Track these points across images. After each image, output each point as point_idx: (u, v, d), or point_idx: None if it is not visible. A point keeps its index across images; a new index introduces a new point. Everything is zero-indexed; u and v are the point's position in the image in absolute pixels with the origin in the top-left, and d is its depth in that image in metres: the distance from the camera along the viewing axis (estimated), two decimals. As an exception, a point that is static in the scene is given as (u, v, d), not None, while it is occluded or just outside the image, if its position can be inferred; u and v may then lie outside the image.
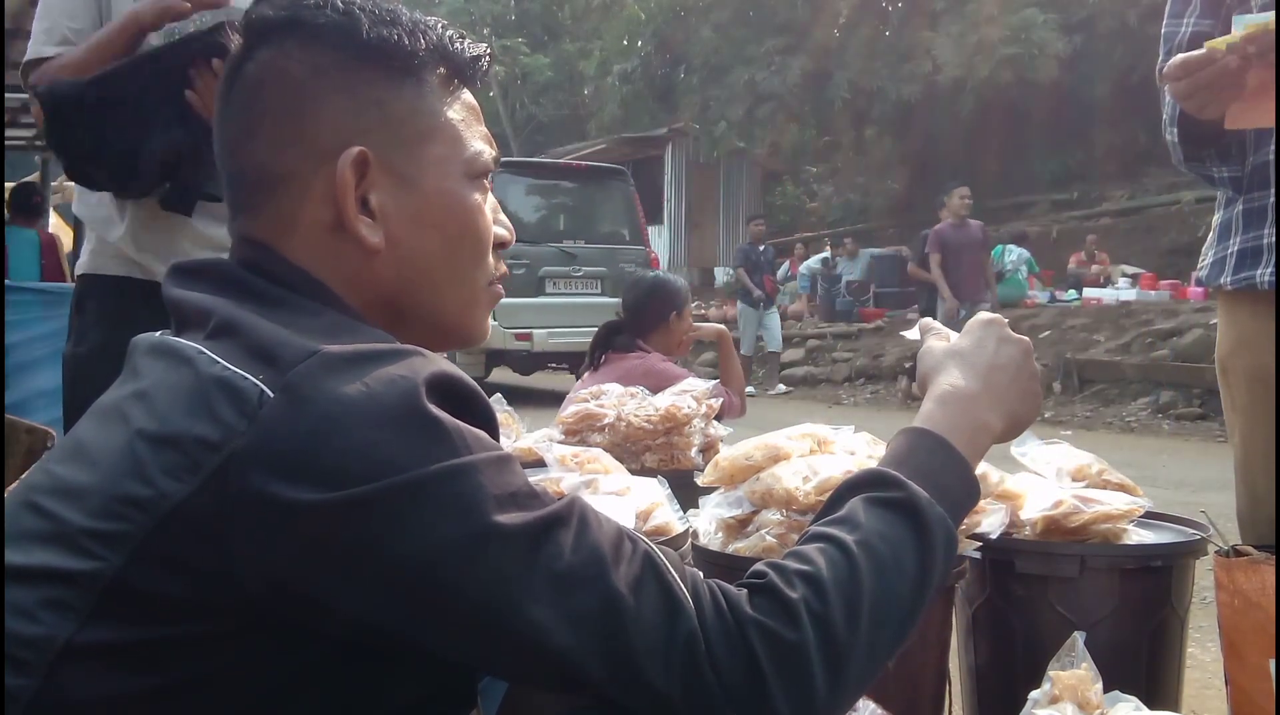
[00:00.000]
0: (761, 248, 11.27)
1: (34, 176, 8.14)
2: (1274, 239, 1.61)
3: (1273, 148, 1.60)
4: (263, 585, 0.72)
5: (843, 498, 0.90)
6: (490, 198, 0.95)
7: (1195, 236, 10.16)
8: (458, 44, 0.92)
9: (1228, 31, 1.47)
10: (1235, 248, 1.67)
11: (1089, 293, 11.26)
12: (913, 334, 1.15)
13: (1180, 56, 1.51)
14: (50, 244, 6.86)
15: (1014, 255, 12.09)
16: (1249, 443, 1.70)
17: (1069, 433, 7.36)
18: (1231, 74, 1.45)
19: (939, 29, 14.57)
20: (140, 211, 1.99)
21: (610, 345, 3.15)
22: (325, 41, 0.87)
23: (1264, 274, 1.62)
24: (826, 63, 15.90)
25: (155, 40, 1.89)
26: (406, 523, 0.71)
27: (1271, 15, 1.42)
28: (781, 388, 11.17)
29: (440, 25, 0.92)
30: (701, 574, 0.81)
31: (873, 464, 0.96)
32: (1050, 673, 1.27)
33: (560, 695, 0.81)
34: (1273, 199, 1.61)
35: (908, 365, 9.63)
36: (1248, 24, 1.43)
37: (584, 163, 12.43)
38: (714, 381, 2.63)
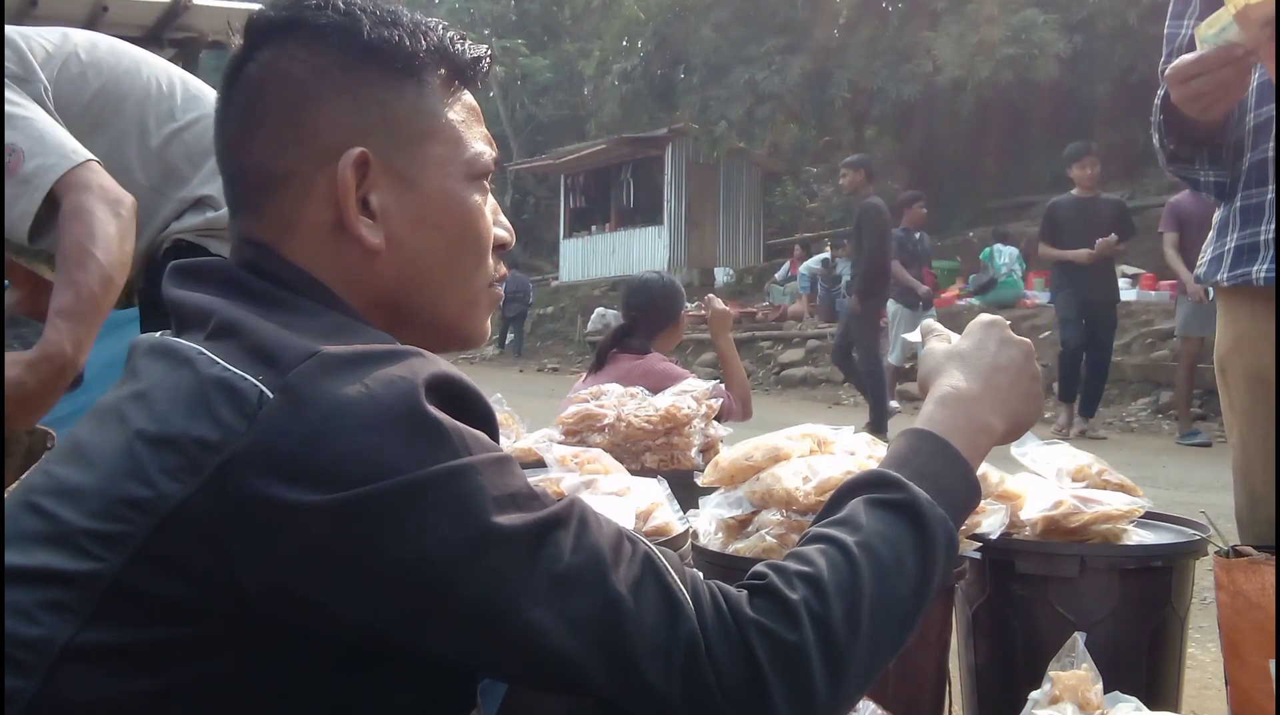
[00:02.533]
0: (918, 234, 8.97)
1: None
2: (1270, 236, 1.60)
3: (1270, 144, 1.60)
4: (262, 586, 0.72)
5: (844, 499, 0.90)
6: (490, 199, 0.95)
7: (1195, 236, 10.13)
8: (458, 45, 0.92)
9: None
10: (1232, 244, 1.67)
11: (1089, 293, 11.21)
12: (913, 336, 1.15)
13: (1188, 57, 1.49)
14: None
15: (1005, 256, 12.02)
16: (1248, 443, 1.69)
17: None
18: (1244, 70, 1.44)
19: (939, 29, 14.55)
20: None
21: (621, 347, 3.16)
22: (327, 42, 0.87)
23: (1259, 270, 1.61)
24: (826, 63, 15.89)
25: None
26: (406, 524, 0.71)
27: None
28: (894, 404, 8.85)
29: (441, 26, 0.92)
30: (701, 575, 0.81)
31: (873, 464, 0.96)
32: (1050, 673, 1.27)
33: (560, 696, 0.81)
34: (1271, 196, 1.61)
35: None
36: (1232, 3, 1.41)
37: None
38: (714, 382, 2.63)
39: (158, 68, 2.01)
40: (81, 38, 1.96)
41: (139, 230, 1.90)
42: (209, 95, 2.03)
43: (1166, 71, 1.54)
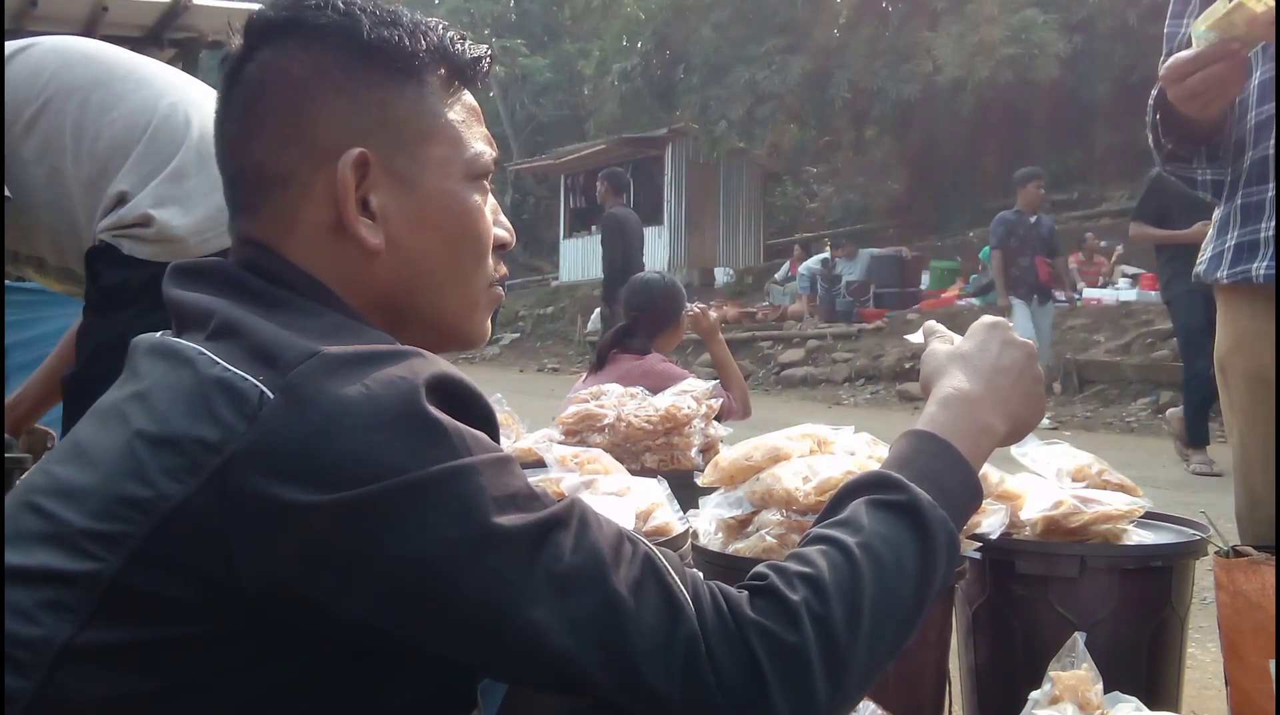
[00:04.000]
0: (1034, 218, 7.77)
1: None
2: (1271, 233, 1.60)
3: (1271, 142, 1.60)
4: (262, 586, 0.71)
5: (845, 500, 0.90)
6: (490, 199, 0.95)
7: (1195, 236, 10.12)
8: (458, 45, 0.92)
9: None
10: (1233, 242, 1.67)
11: (1089, 293, 11.26)
12: (915, 337, 1.15)
13: (1183, 55, 1.50)
14: None
15: None
16: (1247, 443, 1.69)
17: (1069, 433, 7.36)
18: (1239, 65, 1.45)
19: (939, 29, 14.57)
20: None
21: (621, 347, 3.15)
22: (327, 42, 0.87)
23: (1259, 267, 1.61)
24: (826, 63, 15.90)
25: None
26: (406, 524, 0.71)
27: None
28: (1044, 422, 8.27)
29: (441, 26, 0.92)
30: (702, 575, 0.81)
31: (873, 464, 0.96)
32: (1050, 673, 1.27)
33: (560, 696, 0.81)
34: (1271, 194, 1.61)
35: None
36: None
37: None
38: (714, 382, 2.63)
39: (102, 59, 1.99)
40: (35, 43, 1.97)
41: (81, 229, 1.90)
42: (148, 74, 1.99)
43: (1162, 70, 1.54)
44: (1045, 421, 7.42)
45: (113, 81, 1.92)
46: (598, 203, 8.81)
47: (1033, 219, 7.71)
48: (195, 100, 1.96)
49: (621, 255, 7.58)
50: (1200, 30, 1.46)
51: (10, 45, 1.94)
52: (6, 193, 1.88)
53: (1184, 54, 1.49)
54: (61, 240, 1.96)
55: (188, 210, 1.83)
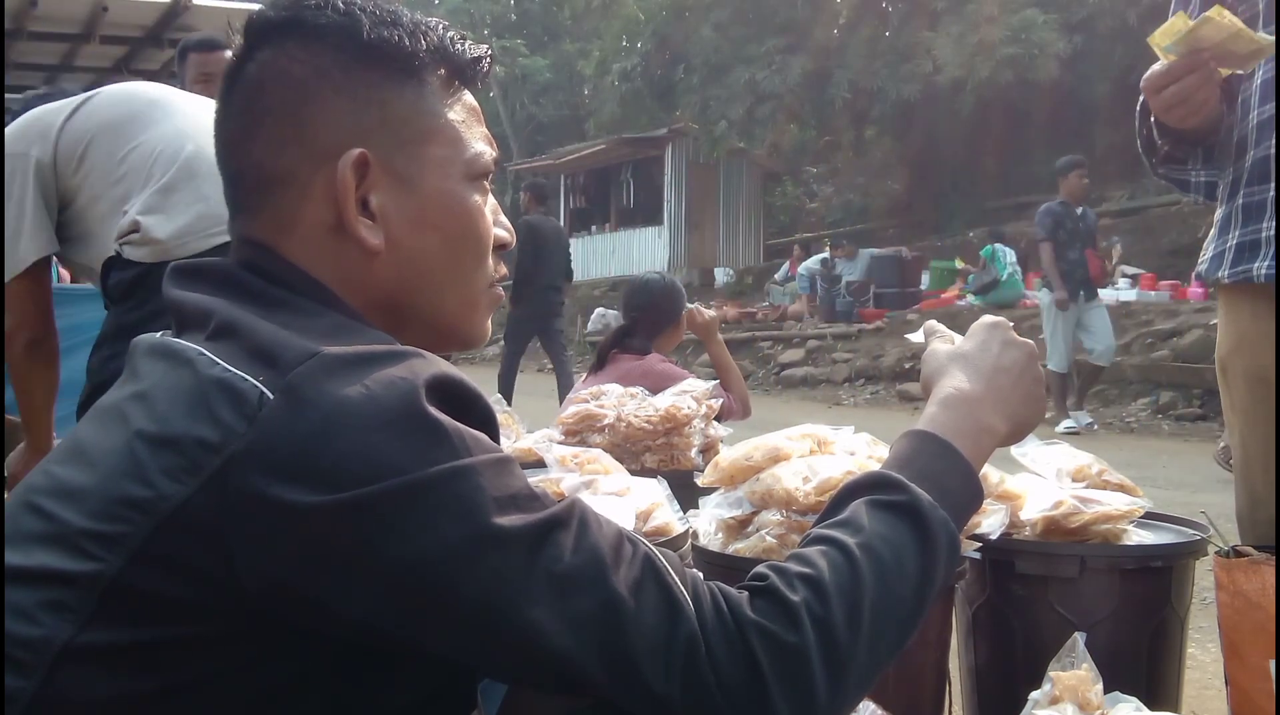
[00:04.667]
0: (1080, 210, 7.34)
1: None
2: (1272, 233, 1.60)
3: (1272, 142, 1.60)
4: (263, 587, 0.71)
5: (845, 500, 0.90)
6: (490, 199, 0.95)
7: (1195, 237, 10.14)
8: (458, 45, 0.92)
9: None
10: (1234, 241, 1.67)
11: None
12: (916, 336, 1.15)
13: (1157, 68, 1.54)
14: None
15: (1010, 256, 12.01)
16: (1248, 443, 1.69)
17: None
18: (1208, 77, 1.48)
19: (939, 29, 14.58)
20: None
21: (621, 347, 3.15)
22: (326, 42, 0.87)
23: (1260, 267, 1.61)
24: (826, 63, 15.91)
25: None
26: (406, 525, 0.71)
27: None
28: (1083, 420, 7.48)
29: (441, 26, 0.92)
30: (702, 576, 0.81)
31: (873, 465, 0.96)
32: (1050, 673, 1.27)
33: (560, 696, 0.81)
34: (1272, 193, 1.61)
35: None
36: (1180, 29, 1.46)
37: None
38: (714, 382, 2.63)
39: (138, 96, 2.32)
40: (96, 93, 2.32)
41: (105, 247, 2.20)
42: (173, 109, 2.29)
43: (1140, 82, 1.58)
44: (1088, 420, 7.40)
45: (140, 116, 2.25)
46: (521, 211, 8.99)
47: (1079, 211, 7.34)
48: (205, 126, 2.16)
49: (531, 260, 7.59)
50: (1166, 44, 1.49)
51: (80, 98, 2.29)
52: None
53: (1157, 67, 1.54)
54: (83, 262, 2.32)
55: (170, 218, 2.12)
